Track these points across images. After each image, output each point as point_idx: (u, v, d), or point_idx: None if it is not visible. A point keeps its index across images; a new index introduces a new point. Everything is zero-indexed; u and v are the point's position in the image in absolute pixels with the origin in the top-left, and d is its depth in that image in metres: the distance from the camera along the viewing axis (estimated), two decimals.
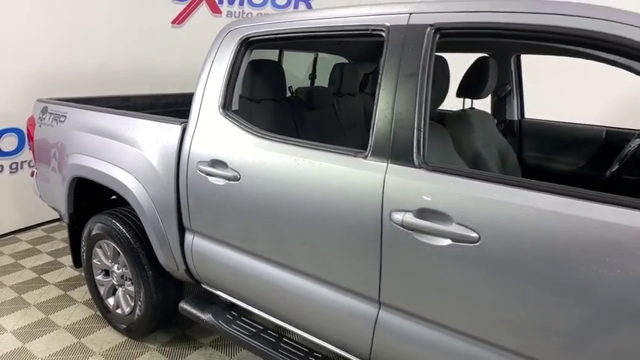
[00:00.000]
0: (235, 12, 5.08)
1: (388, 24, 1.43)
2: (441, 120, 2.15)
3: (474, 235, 1.17)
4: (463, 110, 2.33)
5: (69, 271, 3.19)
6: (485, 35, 1.28)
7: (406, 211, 1.28)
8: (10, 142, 3.69)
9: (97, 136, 2.29)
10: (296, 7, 5.34)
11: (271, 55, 3.48)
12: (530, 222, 1.10)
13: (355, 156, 1.42)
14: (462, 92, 2.24)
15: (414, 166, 1.30)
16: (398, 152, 1.34)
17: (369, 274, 1.39)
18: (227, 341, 2.42)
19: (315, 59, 3.34)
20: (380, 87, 1.40)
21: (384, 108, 1.38)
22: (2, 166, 3.68)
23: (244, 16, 5.15)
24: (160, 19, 4.54)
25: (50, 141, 2.60)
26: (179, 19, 4.72)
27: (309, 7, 5.39)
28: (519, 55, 2.57)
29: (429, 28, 1.34)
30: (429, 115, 1.34)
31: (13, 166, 3.74)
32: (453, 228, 1.20)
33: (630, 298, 0.99)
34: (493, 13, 1.24)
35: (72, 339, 2.43)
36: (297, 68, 3.73)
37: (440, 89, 1.62)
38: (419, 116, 1.32)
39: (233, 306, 2.02)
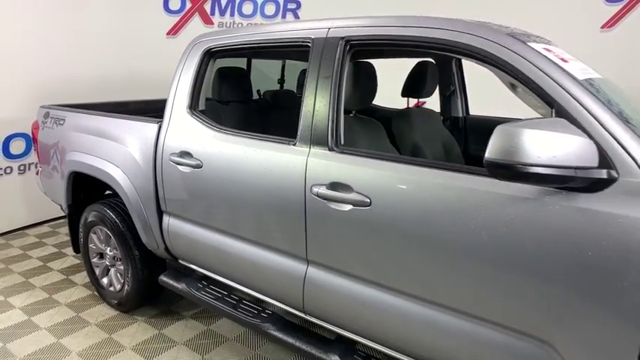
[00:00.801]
0: (226, 22, 5.47)
1: (313, 37, 1.77)
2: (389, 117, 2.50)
3: (367, 200, 1.50)
4: (407, 109, 2.66)
5: (71, 260, 3.56)
6: (380, 45, 1.62)
7: (321, 184, 1.62)
8: (18, 146, 4.10)
9: (91, 136, 2.66)
10: (284, 16, 5.72)
11: (260, 63, 3.86)
12: (407, 189, 1.43)
13: (287, 144, 1.77)
14: (405, 92, 2.57)
15: (328, 150, 1.64)
16: (317, 139, 1.67)
17: (298, 237, 1.72)
18: (205, 313, 2.76)
19: (283, 66, 3.71)
20: (305, 87, 1.74)
21: (307, 104, 1.72)
22: (11, 168, 4.09)
23: (235, 26, 5.53)
24: (155, 30, 4.94)
25: (51, 142, 2.98)
26: (173, 30, 5.12)
27: (296, 17, 5.76)
28: (460, 60, 2.89)
29: (341, 40, 1.68)
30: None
31: (22, 167, 4.15)
32: (353, 196, 1.53)
33: (478, 244, 1.30)
34: (383, 27, 1.58)
35: (71, 313, 2.79)
36: (276, 74, 4.09)
37: (364, 89, 1.95)
38: (332, 110, 1.66)
39: (205, 278, 2.36)
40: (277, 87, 3.78)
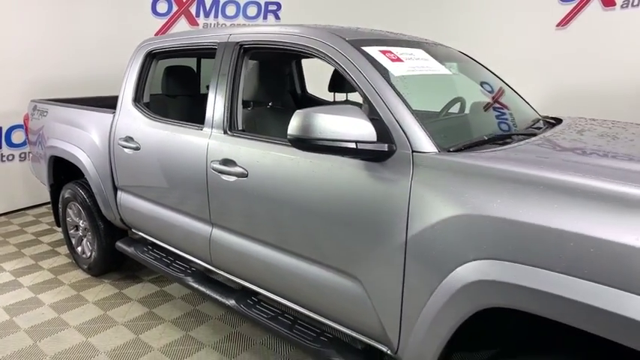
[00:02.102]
0: (211, 23, 5.91)
1: (219, 41, 2.18)
2: None
3: (246, 172, 1.90)
4: (333, 102, 3.03)
5: (59, 235, 4.06)
6: (263, 48, 2.01)
7: (217, 160, 2.02)
8: (19, 136, 4.63)
9: (65, 125, 3.13)
10: (265, 18, 6.11)
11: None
12: (269, 162, 1.82)
13: (197, 129, 2.18)
14: (330, 88, 2.96)
15: (223, 133, 2.04)
16: (216, 124, 2.08)
17: (203, 204, 2.13)
18: (162, 278, 3.21)
19: None
20: (211, 82, 2.15)
21: (210, 96, 2.13)
22: (13, 155, 4.64)
23: (219, 26, 5.96)
24: (143, 31, 5.39)
25: (38, 131, 3.48)
26: (161, 32, 5.58)
27: (277, 17, 6.15)
28: None
29: (236, 45, 2.08)
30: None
31: (22, 155, 4.69)
32: (236, 169, 1.93)
33: (312, 203, 1.68)
34: (264, 34, 1.98)
35: (51, 276, 3.29)
36: None
37: (257, 85, 2.33)
38: (228, 101, 2.06)
39: (151, 244, 2.80)
40: None
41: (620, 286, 1.02)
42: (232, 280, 2.21)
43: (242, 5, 6.00)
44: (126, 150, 2.56)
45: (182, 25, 5.68)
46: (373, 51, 1.76)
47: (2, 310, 2.81)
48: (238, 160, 1.94)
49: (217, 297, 2.18)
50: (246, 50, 2.09)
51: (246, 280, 2.10)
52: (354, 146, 1.45)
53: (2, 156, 4.61)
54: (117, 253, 3.06)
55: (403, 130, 1.50)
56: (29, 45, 4.49)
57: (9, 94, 4.45)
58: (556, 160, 1.42)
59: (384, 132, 1.51)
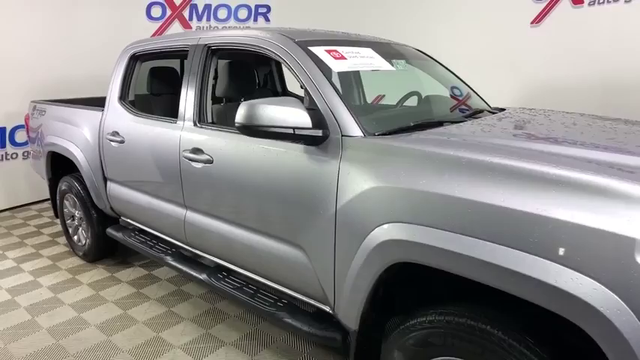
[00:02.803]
0: (203, 26, 6.18)
1: (190, 44, 2.44)
2: None
3: (211, 159, 2.15)
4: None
5: (59, 227, 4.34)
6: (227, 49, 2.27)
7: (187, 149, 2.28)
8: (22, 136, 4.94)
9: (61, 123, 3.42)
10: (255, 20, 6.38)
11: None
12: (228, 150, 2.07)
13: (172, 122, 2.44)
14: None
15: (194, 125, 2.30)
16: (187, 117, 2.34)
17: (178, 189, 2.39)
18: (151, 263, 3.48)
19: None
20: (183, 80, 2.41)
21: (183, 92, 2.39)
22: (17, 154, 4.95)
23: (211, 29, 6.24)
24: (141, 34, 5.68)
25: (37, 129, 3.77)
26: (155, 35, 5.86)
27: (267, 20, 6.41)
28: None
29: (204, 47, 2.34)
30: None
31: (25, 153, 4.99)
32: (204, 156, 2.19)
33: (259, 183, 1.92)
34: (225, 37, 2.24)
35: (49, 262, 3.57)
36: None
37: (233, 82, 2.57)
38: (198, 95, 2.32)
39: (138, 230, 3.07)
40: None
41: (491, 239, 1.25)
42: (207, 259, 2.47)
43: (233, 9, 6.27)
44: (112, 144, 2.83)
45: (176, 28, 5.96)
46: (319, 50, 2.00)
47: (5, 292, 3.10)
48: (205, 148, 2.19)
49: (192, 273, 2.44)
50: (214, 51, 2.34)
51: (215, 256, 2.36)
52: (292, 132, 1.70)
53: (7, 154, 4.92)
54: (109, 240, 3.33)
55: (335, 118, 1.74)
56: (32, 48, 4.80)
57: (12, 96, 4.75)
58: (456, 139, 1.65)
59: (321, 120, 1.75)
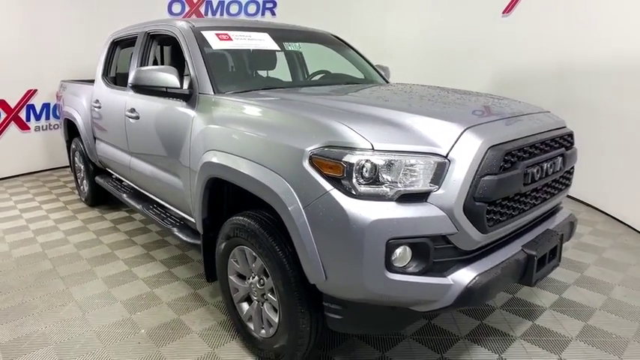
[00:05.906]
0: None
1: (139, 31, 3.22)
2: None
3: (138, 115, 2.92)
4: None
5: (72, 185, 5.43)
6: (154, 36, 3.02)
7: (128, 109, 3.06)
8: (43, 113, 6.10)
9: (72, 95, 4.40)
10: (263, 14, 7.12)
11: None
12: (147, 107, 2.82)
13: (124, 90, 3.23)
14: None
15: (134, 92, 3.08)
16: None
17: (125, 140, 3.19)
18: (134, 212, 4.36)
19: None
20: (131, 58, 3.19)
21: (131, 67, 3.17)
22: (58, 125, 6.11)
23: None
24: None
25: (61, 100, 4.80)
26: None
27: (273, 15, 7.13)
28: None
29: (145, 33, 3.11)
30: None
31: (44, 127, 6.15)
32: (135, 114, 2.96)
33: (159, 132, 2.64)
34: (154, 25, 2.99)
35: (62, 205, 4.59)
36: None
37: (169, 62, 3.32)
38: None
39: (117, 179, 3.94)
40: None
41: (256, 160, 1.87)
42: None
43: (244, 4, 7.06)
44: (95, 109, 3.72)
45: None
46: (209, 34, 2.68)
47: (24, 221, 4.12)
48: (137, 108, 2.96)
49: (133, 204, 3.25)
50: (152, 37, 3.11)
51: (143, 189, 3.14)
52: (165, 90, 2.41)
53: (50, 125, 6.11)
54: (99, 188, 4.25)
55: (198, 81, 2.42)
56: (71, 40, 5.93)
57: (57, 78, 5.90)
58: (272, 97, 2.25)
59: (192, 82, 2.44)
